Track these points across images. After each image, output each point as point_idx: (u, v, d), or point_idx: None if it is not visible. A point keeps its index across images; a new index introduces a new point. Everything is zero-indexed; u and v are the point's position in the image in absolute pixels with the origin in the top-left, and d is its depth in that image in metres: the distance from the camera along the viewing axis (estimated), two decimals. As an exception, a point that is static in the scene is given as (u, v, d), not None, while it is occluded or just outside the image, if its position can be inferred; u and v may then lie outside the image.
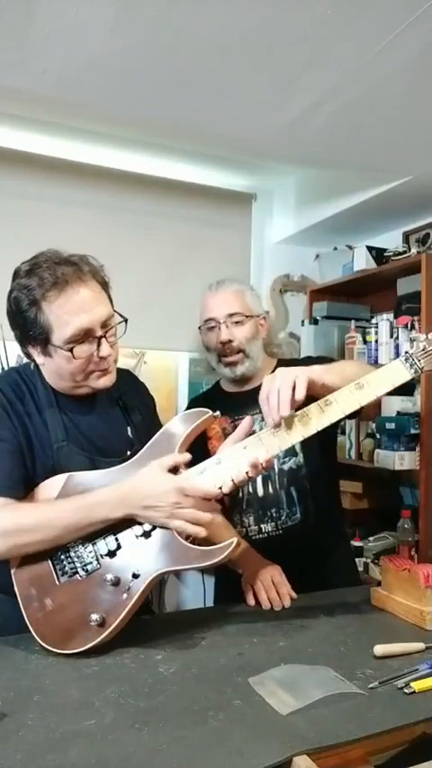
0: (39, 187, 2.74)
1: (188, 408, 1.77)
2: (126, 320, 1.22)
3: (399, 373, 1.14)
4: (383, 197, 2.66)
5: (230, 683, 0.93)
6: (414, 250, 2.83)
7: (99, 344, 1.15)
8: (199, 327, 1.65)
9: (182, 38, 1.59)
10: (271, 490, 1.54)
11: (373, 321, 3.00)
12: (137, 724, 0.81)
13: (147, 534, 1.08)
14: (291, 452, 1.53)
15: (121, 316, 1.22)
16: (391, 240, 3.10)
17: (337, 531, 1.67)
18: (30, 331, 1.16)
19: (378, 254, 2.92)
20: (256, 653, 1.05)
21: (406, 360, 1.13)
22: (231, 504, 1.57)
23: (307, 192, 3.11)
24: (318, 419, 1.12)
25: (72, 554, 1.09)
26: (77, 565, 1.08)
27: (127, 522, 1.08)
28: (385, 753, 0.84)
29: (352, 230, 3.13)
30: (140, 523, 1.08)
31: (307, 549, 1.48)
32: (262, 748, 0.75)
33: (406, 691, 0.90)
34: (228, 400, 1.64)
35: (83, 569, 1.07)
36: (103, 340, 1.16)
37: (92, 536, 1.09)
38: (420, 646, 1.05)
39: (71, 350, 1.13)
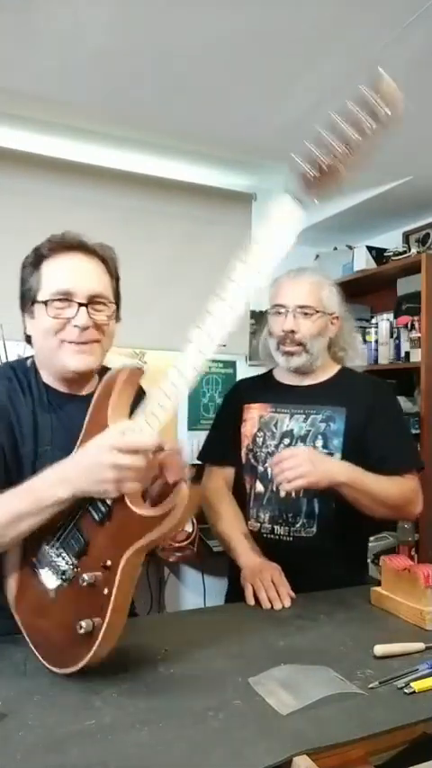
0: (39, 187, 2.74)
1: (235, 389, 1.77)
2: (118, 308, 1.20)
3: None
4: (383, 197, 2.66)
5: (230, 683, 0.93)
6: (414, 250, 2.83)
7: (78, 313, 1.11)
8: (266, 311, 1.60)
9: (181, 38, 1.59)
10: (294, 494, 1.48)
11: (373, 321, 3.00)
12: (137, 724, 0.81)
13: (106, 517, 0.96)
14: None
15: (116, 309, 1.20)
16: (391, 240, 3.10)
17: (353, 551, 1.58)
18: (23, 294, 1.17)
19: (378, 254, 2.92)
20: (256, 653, 1.05)
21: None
22: (252, 496, 1.55)
23: (307, 192, 3.11)
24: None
25: (53, 567, 1.01)
26: (60, 576, 1.01)
27: (86, 512, 0.99)
28: (385, 753, 0.84)
29: (352, 230, 3.14)
30: (97, 508, 0.98)
31: (316, 561, 1.44)
32: (262, 748, 0.75)
33: (406, 691, 0.90)
34: (276, 389, 1.62)
35: (62, 578, 1.00)
36: (83, 309, 1.11)
37: (59, 538, 1.01)
38: (420, 646, 1.05)
39: (46, 303, 1.12)
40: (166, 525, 0.90)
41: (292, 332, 1.51)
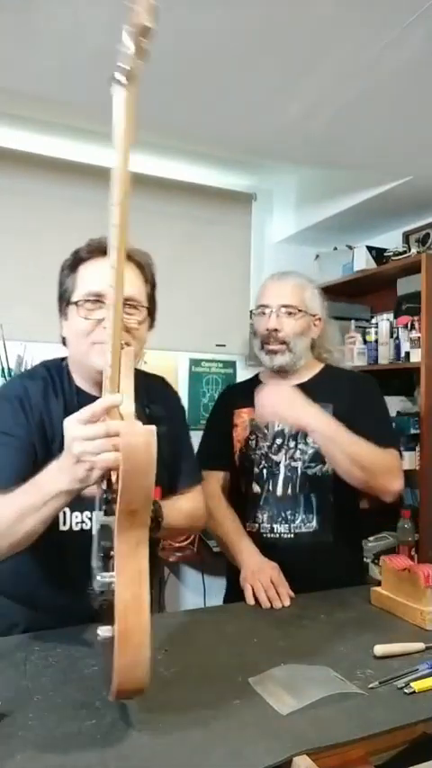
0: (39, 187, 2.74)
1: (224, 395, 1.80)
2: (152, 314, 1.20)
3: None
4: (383, 197, 2.66)
5: (230, 683, 0.93)
6: (414, 250, 2.83)
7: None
8: (252, 312, 1.64)
9: (182, 38, 1.59)
10: (290, 492, 1.51)
11: (373, 321, 3.00)
12: (137, 724, 0.81)
13: (108, 512, 0.85)
14: (318, 459, 1.50)
15: (150, 315, 1.20)
16: (391, 240, 3.10)
17: (352, 547, 1.62)
18: (60, 296, 1.18)
19: (378, 254, 2.92)
20: (256, 653, 1.05)
21: None
22: (248, 498, 1.56)
23: (307, 192, 3.11)
24: None
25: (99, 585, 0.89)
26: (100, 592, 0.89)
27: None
28: (385, 753, 0.84)
29: (352, 230, 3.13)
30: (100, 507, 0.90)
31: (317, 558, 1.46)
32: (262, 748, 0.75)
33: (406, 691, 0.90)
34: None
35: (105, 599, 0.84)
36: None
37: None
38: (420, 646, 1.05)
39: (77, 304, 1.13)
40: (125, 472, 0.77)
41: (276, 330, 1.54)
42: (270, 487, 1.54)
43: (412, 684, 0.91)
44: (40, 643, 1.05)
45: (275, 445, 1.55)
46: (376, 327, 2.89)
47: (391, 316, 2.89)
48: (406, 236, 3.06)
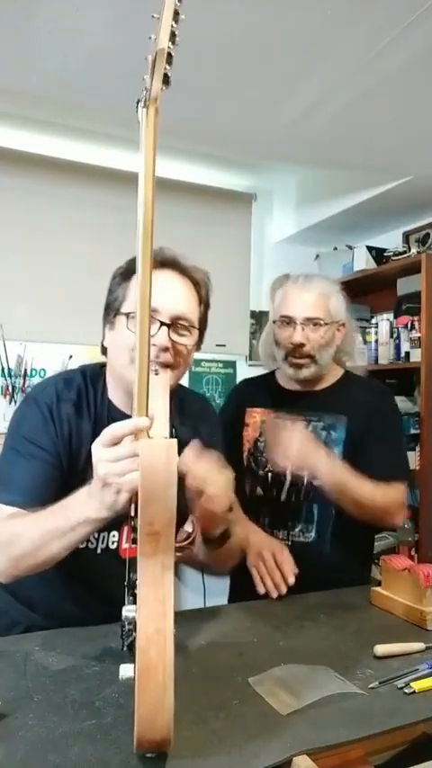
0: (39, 187, 2.74)
1: (238, 391, 1.77)
2: (201, 336, 1.13)
3: None
4: (383, 197, 2.66)
5: (230, 683, 0.93)
6: (414, 250, 2.83)
7: (159, 332, 1.03)
8: (266, 312, 1.60)
9: (182, 38, 1.59)
10: (293, 499, 1.50)
11: (373, 321, 3.00)
12: (137, 724, 0.81)
13: (135, 541, 0.79)
14: None
15: (200, 338, 1.13)
16: (391, 240, 3.10)
17: (354, 563, 1.58)
18: (108, 304, 1.11)
19: (378, 254, 2.92)
20: (256, 653, 1.05)
21: None
22: (251, 499, 1.55)
23: (307, 192, 3.11)
24: None
25: None
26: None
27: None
28: (385, 753, 0.84)
29: (352, 230, 3.14)
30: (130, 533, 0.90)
31: (313, 569, 1.41)
32: (262, 748, 0.75)
33: (406, 691, 0.90)
34: (280, 394, 1.60)
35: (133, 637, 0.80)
36: (164, 329, 1.03)
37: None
38: (420, 646, 1.05)
39: (128, 316, 1.05)
40: (144, 489, 0.72)
41: (302, 345, 1.49)
42: (274, 492, 1.53)
43: (412, 684, 0.91)
44: (40, 643, 1.05)
45: None
46: (376, 327, 2.90)
47: (391, 316, 2.89)
48: (406, 236, 3.06)
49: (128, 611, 0.82)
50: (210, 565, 1.16)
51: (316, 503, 1.48)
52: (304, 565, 1.42)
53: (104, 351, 1.16)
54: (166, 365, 1.04)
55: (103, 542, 1.13)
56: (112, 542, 1.13)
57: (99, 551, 1.12)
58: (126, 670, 0.77)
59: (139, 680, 0.70)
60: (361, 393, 1.57)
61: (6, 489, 1.05)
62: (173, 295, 1.07)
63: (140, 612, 0.73)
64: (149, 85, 0.69)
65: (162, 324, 1.03)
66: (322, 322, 1.49)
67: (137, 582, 0.74)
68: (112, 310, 1.11)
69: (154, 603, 0.74)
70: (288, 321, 1.51)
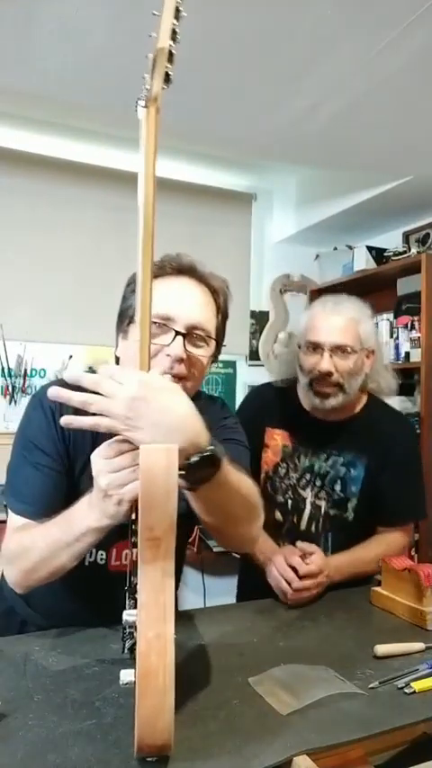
0: (39, 187, 2.74)
1: (257, 405, 1.62)
2: (218, 348, 1.07)
3: None
4: (383, 197, 2.67)
5: (230, 683, 0.93)
6: (414, 250, 2.83)
7: (174, 341, 0.98)
8: (298, 345, 1.49)
9: (182, 38, 1.59)
10: (313, 529, 1.48)
11: (373, 321, 3.00)
12: (137, 724, 0.81)
13: (136, 546, 0.79)
14: (343, 507, 1.47)
15: (216, 349, 1.07)
16: (391, 240, 3.10)
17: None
18: (122, 312, 1.07)
19: (378, 254, 2.92)
20: (256, 653, 1.05)
21: None
22: (268, 523, 1.43)
23: (307, 192, 3.11)
24: None
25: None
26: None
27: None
28: (385, 753, 0.84)
29: (352, 230, 3.14)
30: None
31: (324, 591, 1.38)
32: (262, 748, 0.75)
33: (406, 691, 0.90)
34: (302, 418, 1.52)
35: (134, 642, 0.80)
36: (179, 338, 0.98)
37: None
38: (420, 646, 1.05)
39: None
40: (143, 493, 0.70)
41: (330, 373, 1.41)
42: (295, 520, 1.50)
43: (412, 684, 0.91)
44: (40, 643, 1.05)
45: (304, 479, 1.50)
46: (376, 327, 2.89)
47: (391, 316, 2.89)
48: (406, 236, 3.06)
49: (128, 614, 0.82)
50: (211, 525, 0.95)
51: (332, 531, 1.47)
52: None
53: (117, 361, 1.11)
54: (180, 377, 0.99)
55: (91, 557, 1.11)
56: (101, 559, 1.12)
57: (87, 564, 1.11)
58: (127, 675, 0.77)
59: (139, 684, 0.70)
60: (383, 425, 1.51)
61: (17, 498, 1.05)
62: (189, 303, 1.02)
63: (141, 617, 0.73)
64: (150, 84, 0.68)
65: (177, 333, 0.98)
66: (351, 349, 1.42)
67: (137, 587, 0.74)
68: (126, 319, 1.06)
69: (154, 609, 0.73)
70: (315, 347, 1.43)
